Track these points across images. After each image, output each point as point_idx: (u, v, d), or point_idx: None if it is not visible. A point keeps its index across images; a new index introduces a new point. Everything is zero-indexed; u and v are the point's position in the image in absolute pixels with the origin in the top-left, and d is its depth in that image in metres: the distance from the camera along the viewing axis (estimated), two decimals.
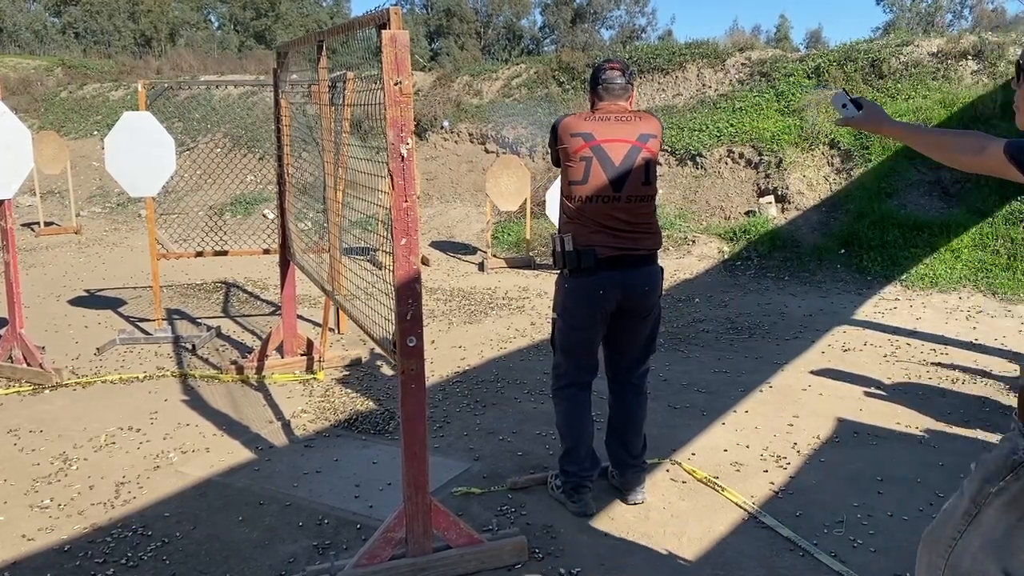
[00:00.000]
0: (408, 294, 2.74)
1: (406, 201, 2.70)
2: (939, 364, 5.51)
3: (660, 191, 2.81)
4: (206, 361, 5.74)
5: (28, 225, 12.14)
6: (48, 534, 3.32)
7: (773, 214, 9.24)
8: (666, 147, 10.34)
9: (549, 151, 3.53)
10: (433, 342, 6.10)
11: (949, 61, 9.86)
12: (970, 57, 9.80)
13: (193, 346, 6.03)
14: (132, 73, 19.24)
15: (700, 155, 10.20)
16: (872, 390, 5.00)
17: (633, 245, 3.26)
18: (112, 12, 32.45)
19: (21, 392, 5.08)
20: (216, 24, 37.79)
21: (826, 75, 10.36)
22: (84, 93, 18.27)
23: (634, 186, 3.22)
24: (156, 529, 3.34)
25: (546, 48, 33.01)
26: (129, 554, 3.14)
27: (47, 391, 5.09)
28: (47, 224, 12.22)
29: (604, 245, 3.23)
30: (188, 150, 12.76)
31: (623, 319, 3.37)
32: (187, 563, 3.08)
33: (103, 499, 3.62)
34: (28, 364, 5.30)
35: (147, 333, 6.33)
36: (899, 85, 9.88)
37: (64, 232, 12.01)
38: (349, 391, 5.05)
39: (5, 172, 5.14)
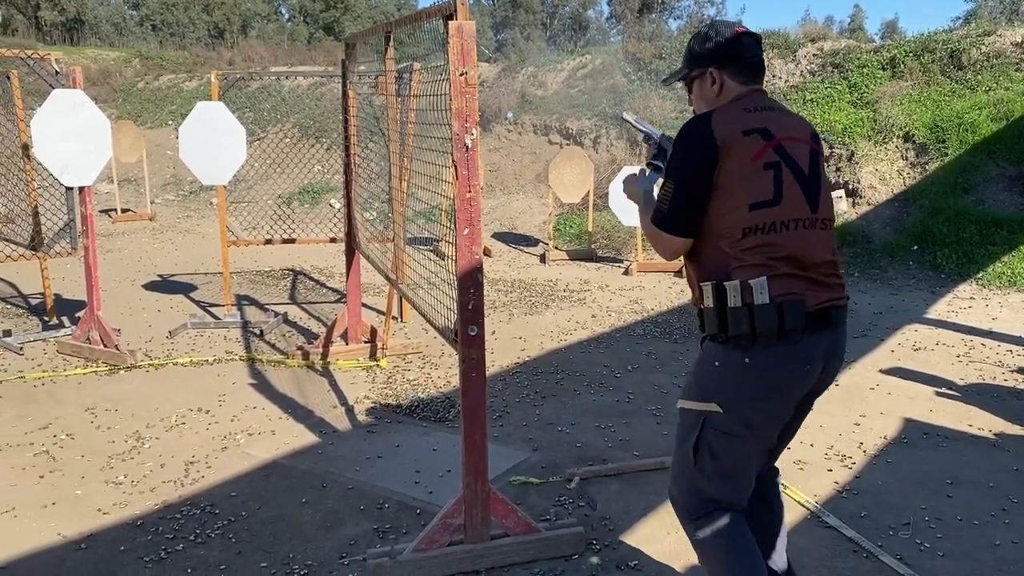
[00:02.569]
0: (470, 284, 2.76)
1: (469, 191, 2.71)
2: (1019, 370, 5.31)
3: None
4: (273, 346, 5.87)
5: (106, 211, 12.57)
6: (122, 509, 3.45)
7: (843, 208, 9.01)
8: None
9: (672, 167, 2.23)
10: (494, 332, 6.13)
11: None
12: None
13: (261, 331, 6.17)
14: (205, 64, 19.70)
15: None
16: (944, 390, 4.85)
17: (841, 293, 2.23)
18: (187, 5, 33.34)
19: (98, 372, 5.27)
20: (286, 16, 38.49)
21: (902, 66, 10.03)
22: (160, 84, 18.80)
23: (827, 204, 2.23)
24: (223, 508, 3.43)
25: (612, 39, 32.70)
26: (198, 531, 3.24)
27: (122, 372, 5.28)
28: (123, 211, 12.64)
29: (810, 293, 2.12)
30: (258, 140, 13.03)
31: (802, 400, 2.29)
32: (252, 542, 3.16)
33: (173, 477, 3.74)
34: (105, 345, 5.50)
35: (217, 318, 6.51)
36: (979, 77, 9.52)
37: (139, 219, 12.41)
38: (411, 378, 5.11)
39: (86, 160, 5.34)
